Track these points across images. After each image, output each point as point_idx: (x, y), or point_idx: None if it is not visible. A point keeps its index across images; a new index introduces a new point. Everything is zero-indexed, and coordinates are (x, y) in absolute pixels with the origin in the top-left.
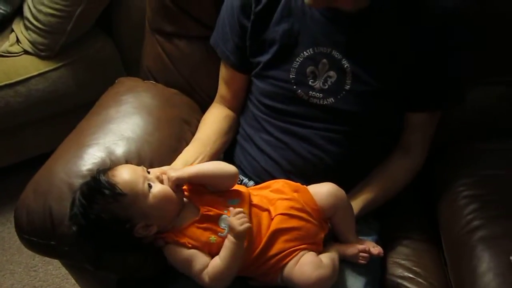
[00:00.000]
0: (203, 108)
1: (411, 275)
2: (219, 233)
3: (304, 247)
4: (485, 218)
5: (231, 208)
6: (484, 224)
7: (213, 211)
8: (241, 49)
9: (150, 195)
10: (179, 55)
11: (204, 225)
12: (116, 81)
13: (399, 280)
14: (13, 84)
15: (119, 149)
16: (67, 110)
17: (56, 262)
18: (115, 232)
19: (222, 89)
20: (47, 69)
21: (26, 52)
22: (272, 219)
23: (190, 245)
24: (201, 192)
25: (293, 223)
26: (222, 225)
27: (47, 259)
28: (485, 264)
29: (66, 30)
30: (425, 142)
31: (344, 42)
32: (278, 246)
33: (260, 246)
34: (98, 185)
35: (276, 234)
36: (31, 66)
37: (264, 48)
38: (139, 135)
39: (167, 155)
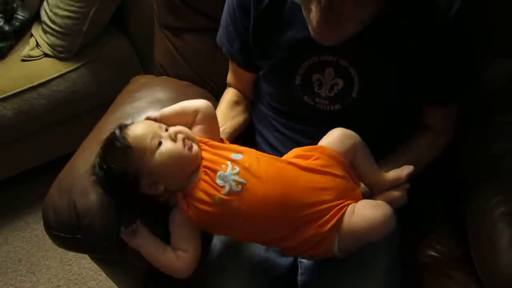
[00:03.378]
0: (217, 97)
1: (433, 253)
2: (221, 192)
3: (349, 202)
4: (507, 194)
5: (227, 162)
6: (506, 200)
7: (210, 169)
8: (247, 50)
9: (157, 152)
10: (187, 48)
11: (206, 184)
12: (131, 80)
13: (423, 258)
14: (35, 86)
15: None
16: (89, 110)
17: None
18: (124, 185)
19: (232, 80)
20: (67, 70)
21: (46, 55)
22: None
23: (193, 216)
24: (212, 146)
25: (326, 180)
26: (220, 182)
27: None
28: (506, 241)
29: (82, 31)
30: (448, 120)
31: (351, 51)
32: (318, 200)
33: (297, 198)
34: (113, 136)
35: (312, 189)
36: (52, 68)
37: (268, 53)
38: None
39: None
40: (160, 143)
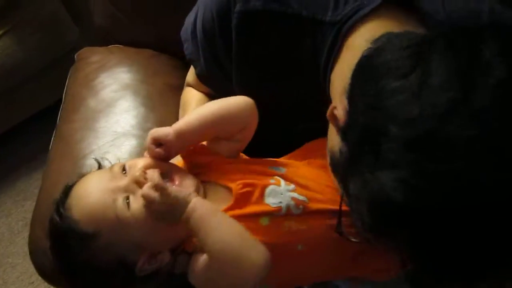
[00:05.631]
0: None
1: None
2: (273, 214)
3: None
4: None
5: (276, 177)
6: None
7: (253, 185)
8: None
9: (132, 216)
10: (135, 10)
11: (244, 210)
12: (75, 57)
13: None
14: None
15: (119, 151)
16: (21, 83)
17: None
18: (111, 277)
19: (195, 85)
20: None
21: None
22: None
23: None
24: (221, 166)
25: None
26: (272, 201)
27: None
28: None
29: None
30: None
31: None
32: None
33: None
34: (58, 230)
35: None
36: None
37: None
38: (134, 125)
39: None
40: (127, 200)
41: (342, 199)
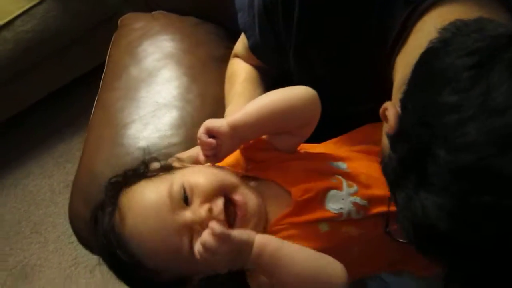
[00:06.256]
0: (228, 26)
1: None
2: (333, 219)
3: None
4: None
5: (338, 177)
6: None
7: (313, 191)
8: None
9: (194, 253)
10: None
11: (304, 217)
12: (118, 22)
13: None
14: None
15: (160, 122)
16: (65, 47)
17: None
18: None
19: (244, 56)
20: (31, 4)
21: None
22: None
23: None
24: (280, 163)
25: None
26: (333, 206)
27: None
28: None
29: None
30: None
31: None
32: None
33: None
34: (114, 258)
35: None
36: (12, 5)
37: None
38: (176, 96)
39: (214, 109)
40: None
41: (390, 200)
